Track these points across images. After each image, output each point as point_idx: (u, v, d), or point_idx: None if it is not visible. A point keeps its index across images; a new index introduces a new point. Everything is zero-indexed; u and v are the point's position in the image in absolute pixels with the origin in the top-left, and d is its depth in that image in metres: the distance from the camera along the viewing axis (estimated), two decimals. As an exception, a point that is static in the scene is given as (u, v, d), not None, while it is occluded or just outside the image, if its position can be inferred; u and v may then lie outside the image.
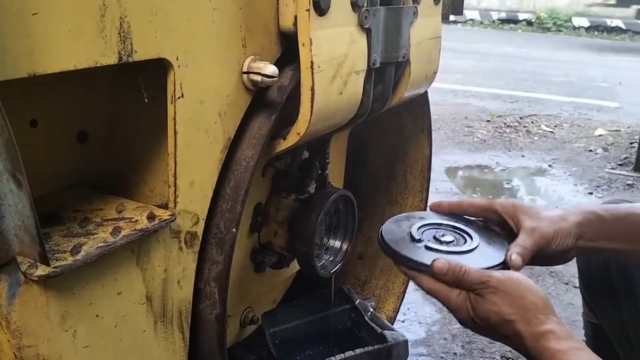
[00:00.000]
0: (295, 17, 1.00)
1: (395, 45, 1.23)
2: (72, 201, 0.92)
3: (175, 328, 0.97)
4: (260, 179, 1.31)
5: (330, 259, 1.44)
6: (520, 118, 5.52)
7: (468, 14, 13.22)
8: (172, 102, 0.87)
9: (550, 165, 4.37)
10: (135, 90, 0.90)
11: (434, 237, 1.04)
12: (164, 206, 0.93)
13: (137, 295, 0.88)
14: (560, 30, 12.63)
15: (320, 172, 1.42)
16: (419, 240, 1.02)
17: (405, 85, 1.32)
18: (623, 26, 12.65)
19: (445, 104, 5.88)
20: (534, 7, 13.60)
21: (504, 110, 5.82)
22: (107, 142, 1.01)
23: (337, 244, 1.46)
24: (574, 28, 12.75)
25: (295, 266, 1.52)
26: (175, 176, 0.90)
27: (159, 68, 0.85)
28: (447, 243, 1.03)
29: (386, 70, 1.24)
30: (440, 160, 4.25)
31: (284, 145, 1.10)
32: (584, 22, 12.90)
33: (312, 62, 0.99)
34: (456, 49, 8.91)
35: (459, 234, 1.07)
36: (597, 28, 12.72)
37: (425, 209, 1.74)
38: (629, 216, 1.07)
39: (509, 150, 4.67)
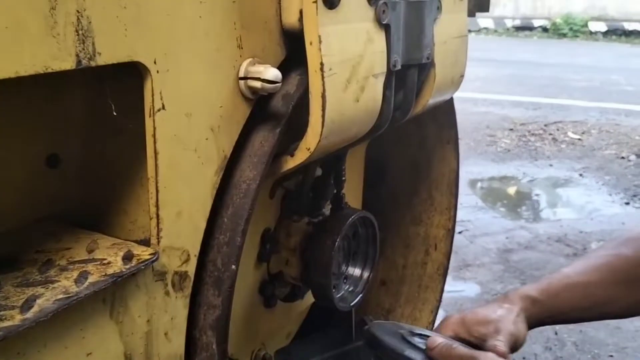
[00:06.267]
0: (301, 12, 0.89)
1: (418, 45, 1.12)
2: (37, 239, 0.78)
3: (164, 388, 0.81)
4: (268, 201, 1.20)
5: (350, 289, 1.34)
6: (545, 125, 5.36)
7: (481, 22, 13.14)
8: (150, 116, 0.72)
9: (581, 175, 4.18)
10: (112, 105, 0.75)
11: None
12: (147, 242, 0.77)
13: (113, 355, 0.73)
14: (577, 36, 12.47)
15: (335, 191, 1.32)
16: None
17: (430, 90, 1.21)
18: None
19: (465, 112, 5.73)
20: (548, 14, 13.51)
21: (526, 117, 5.67)
22: (82, 166, 0.87)
23: (357, 272, 1.36)
24: (591, 33, 12.56)
25: (310, 297, 1.40)
26: (157, 206, 0.75)
27: (133, 75, 0.70)
28: None
29: (408, 73, 1.13)
30: (463, 172, 4.05)
31: (291, 163, 0.98)
32: (601, 27, 12.70)
33: (321, 64, 0.87)
34: (472, 57, 8.77)
35: None
36: (615, 32, 12.50)
37: (453, 228, 1.67)
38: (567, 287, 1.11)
39: (536, 160, 4.51)
